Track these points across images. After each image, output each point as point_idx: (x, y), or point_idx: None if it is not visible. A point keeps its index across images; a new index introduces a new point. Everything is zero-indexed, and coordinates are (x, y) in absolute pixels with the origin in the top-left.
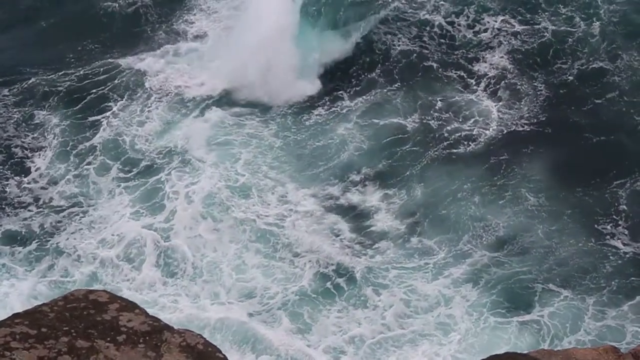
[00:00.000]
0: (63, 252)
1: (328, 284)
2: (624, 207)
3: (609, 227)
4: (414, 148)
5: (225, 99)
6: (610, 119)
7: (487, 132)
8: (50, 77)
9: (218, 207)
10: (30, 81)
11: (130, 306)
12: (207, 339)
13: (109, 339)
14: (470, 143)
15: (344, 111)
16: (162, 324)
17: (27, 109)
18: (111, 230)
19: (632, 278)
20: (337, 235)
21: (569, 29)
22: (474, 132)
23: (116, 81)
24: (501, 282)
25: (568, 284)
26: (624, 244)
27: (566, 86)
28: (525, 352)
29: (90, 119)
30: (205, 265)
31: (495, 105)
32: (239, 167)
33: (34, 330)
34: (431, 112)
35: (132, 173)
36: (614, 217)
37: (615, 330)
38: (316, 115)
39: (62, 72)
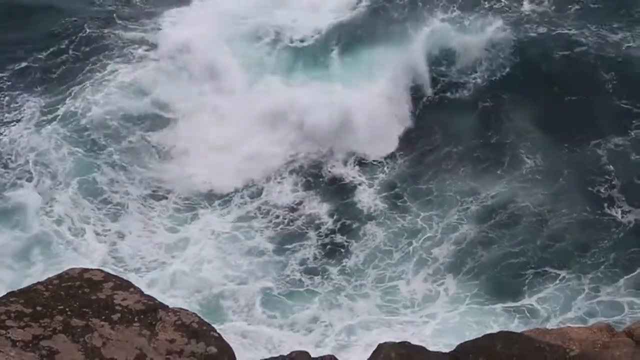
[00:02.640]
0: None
1: (306, 281)
2: (611, 167)
3: (600, 189)
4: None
5: None
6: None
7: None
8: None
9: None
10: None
11: (124, 285)
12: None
13: (103, 317)
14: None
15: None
16: (156, 303)
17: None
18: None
19: (633, 248)
20: (317, 229)
21: None
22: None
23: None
24: (492, 262)
25: (564, 261)
26: (624, 212)
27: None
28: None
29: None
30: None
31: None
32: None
33: (29, 308)
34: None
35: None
36: (601, 178)
37: (610, 304)
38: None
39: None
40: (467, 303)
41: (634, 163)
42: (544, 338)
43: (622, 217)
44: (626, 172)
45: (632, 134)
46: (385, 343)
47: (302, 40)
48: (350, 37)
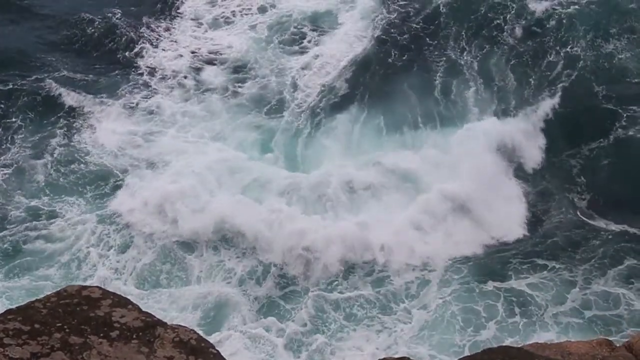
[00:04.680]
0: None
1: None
2: (599, 171)
3: (586, 192)
4: None
5: None
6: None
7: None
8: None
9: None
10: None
11: (123, 302)
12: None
13: (102, 334)
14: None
15: None
16: (155, 320)
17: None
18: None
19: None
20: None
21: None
22: None
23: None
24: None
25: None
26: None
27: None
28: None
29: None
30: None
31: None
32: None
33: (27, 326)
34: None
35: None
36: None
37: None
38: None
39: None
40: (455, 289)
41: (620, 167)
42: (544, 352)
43: (607, 218)
44: (612, 176)
45: (620, 139)
46: (384, 359)
47: None
48: None
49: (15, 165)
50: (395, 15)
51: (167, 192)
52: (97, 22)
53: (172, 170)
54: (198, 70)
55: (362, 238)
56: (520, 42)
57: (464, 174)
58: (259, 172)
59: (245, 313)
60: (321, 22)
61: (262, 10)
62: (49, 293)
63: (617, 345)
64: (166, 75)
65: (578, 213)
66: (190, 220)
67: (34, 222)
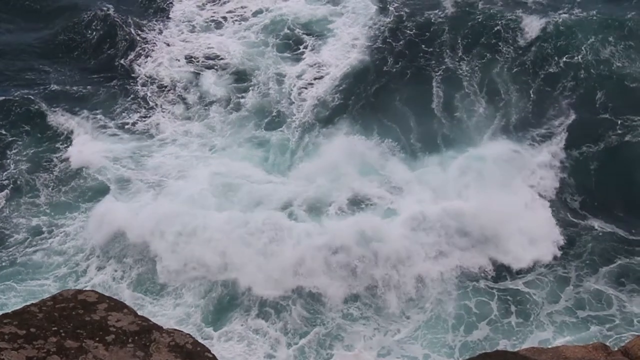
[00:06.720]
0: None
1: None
2: (591, 173)
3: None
4: None
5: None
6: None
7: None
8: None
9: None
10: None
11: (118, 306)
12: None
13: (97, 338)
14: None
15: None
16: (150, 324)
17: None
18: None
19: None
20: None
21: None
22: None
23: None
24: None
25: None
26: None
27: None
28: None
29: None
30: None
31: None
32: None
33: (22, 330)
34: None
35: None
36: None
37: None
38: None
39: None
40: (451, 288)
41: (613, 171)
42: (540, 357)
43: (599, 218)
44: (605, 179)
45: (613, 145)
46: None
47: None
48: None
49: (12, 184)
50: (391, 19)
51: (161, 214)
52: (92, 27)
53: (169, 189)
54: (197, 75)
55: (365, 271)
56: (519, 52)
57: (463, 186)
58: (257, 189)
59: (243, 313)
60: (317, 28)
61: (257, 14)
62: (44, 297)
63: (613, 349)
64: (165, 85)
65: (569, 215)
66: (175, 264)
67: (34, 237)
